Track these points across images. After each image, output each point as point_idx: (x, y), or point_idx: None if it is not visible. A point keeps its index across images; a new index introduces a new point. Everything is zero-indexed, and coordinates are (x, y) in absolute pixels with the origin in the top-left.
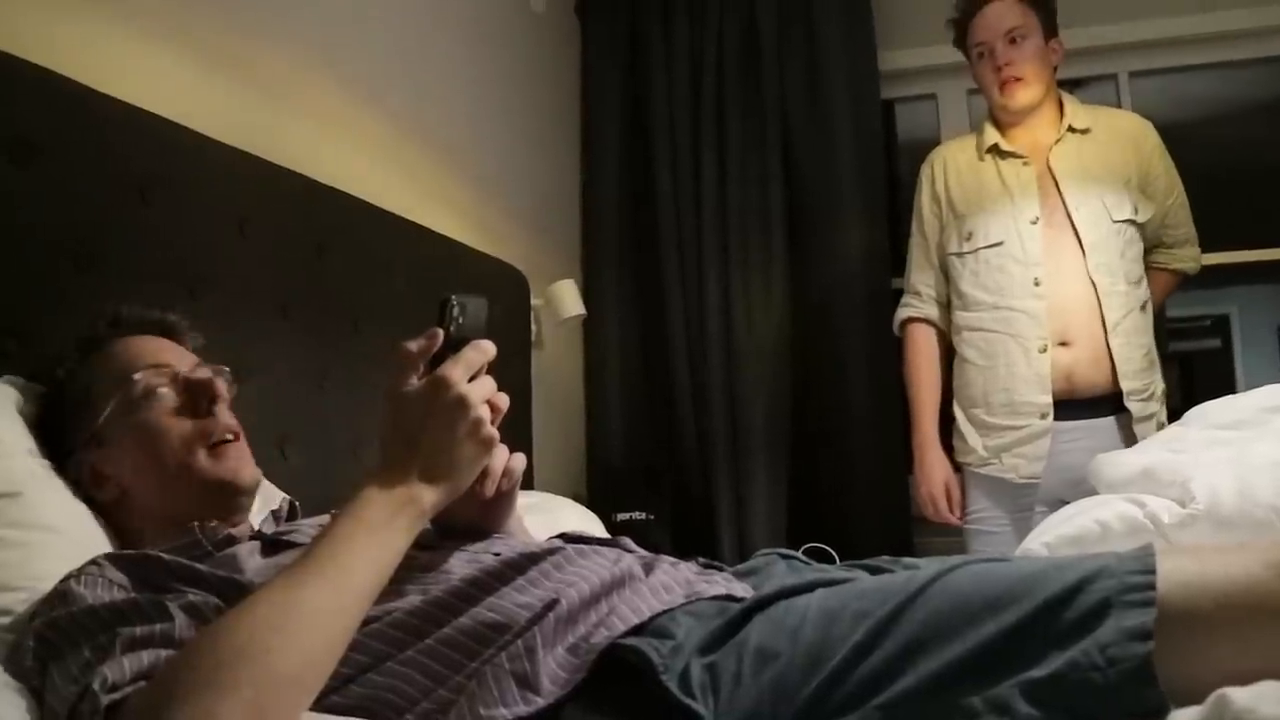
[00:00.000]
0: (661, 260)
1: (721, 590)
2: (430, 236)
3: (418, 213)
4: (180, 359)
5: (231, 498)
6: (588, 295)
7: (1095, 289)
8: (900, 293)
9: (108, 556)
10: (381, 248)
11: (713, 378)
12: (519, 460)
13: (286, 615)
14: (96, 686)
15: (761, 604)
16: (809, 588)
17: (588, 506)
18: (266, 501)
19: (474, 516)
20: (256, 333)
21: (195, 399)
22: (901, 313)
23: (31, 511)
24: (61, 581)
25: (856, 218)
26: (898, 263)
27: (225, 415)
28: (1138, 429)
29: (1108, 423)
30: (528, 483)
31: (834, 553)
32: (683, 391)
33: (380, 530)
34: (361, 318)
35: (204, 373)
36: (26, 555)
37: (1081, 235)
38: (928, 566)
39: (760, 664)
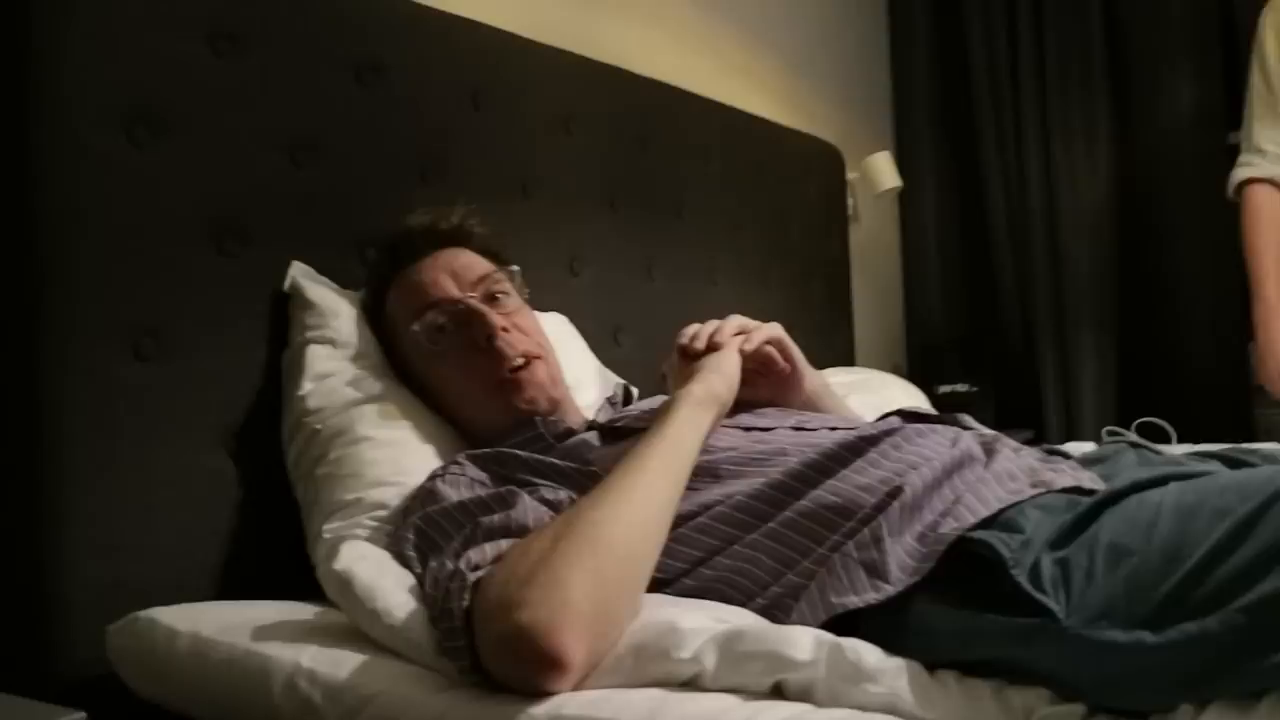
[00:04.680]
0: (977, 127)
1: (1069, 481)
2: (745, 119)
3: (732, 96)
4: (462, 276)
5: (535, 418)
6: (902, 166)
7: None
8: (1236, 150)
9: (467, 455)
10: (700, 134)
11: (1035, 246)
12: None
13: (609, 496)
14: (463, 566)
15: (1113, 498)
16: (1162, 481)
17: (908, 379)
18: (604, 387)
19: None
20: (587, 227)
21: (474, 335)
22: (1239, 173)
23: (399, 413)
24: (429, 479)
25: (1187, 70)
26: (1233, 118)
27: (510, 343)
28: None
29: None
30: (848, 359)
31: (1170, 428)
32: (1003, 261)
33: (667, 423)
34: (685, 205)
35: (483, 289)
36: (396, 453)
37: None
38: None
39: (1113, 560)
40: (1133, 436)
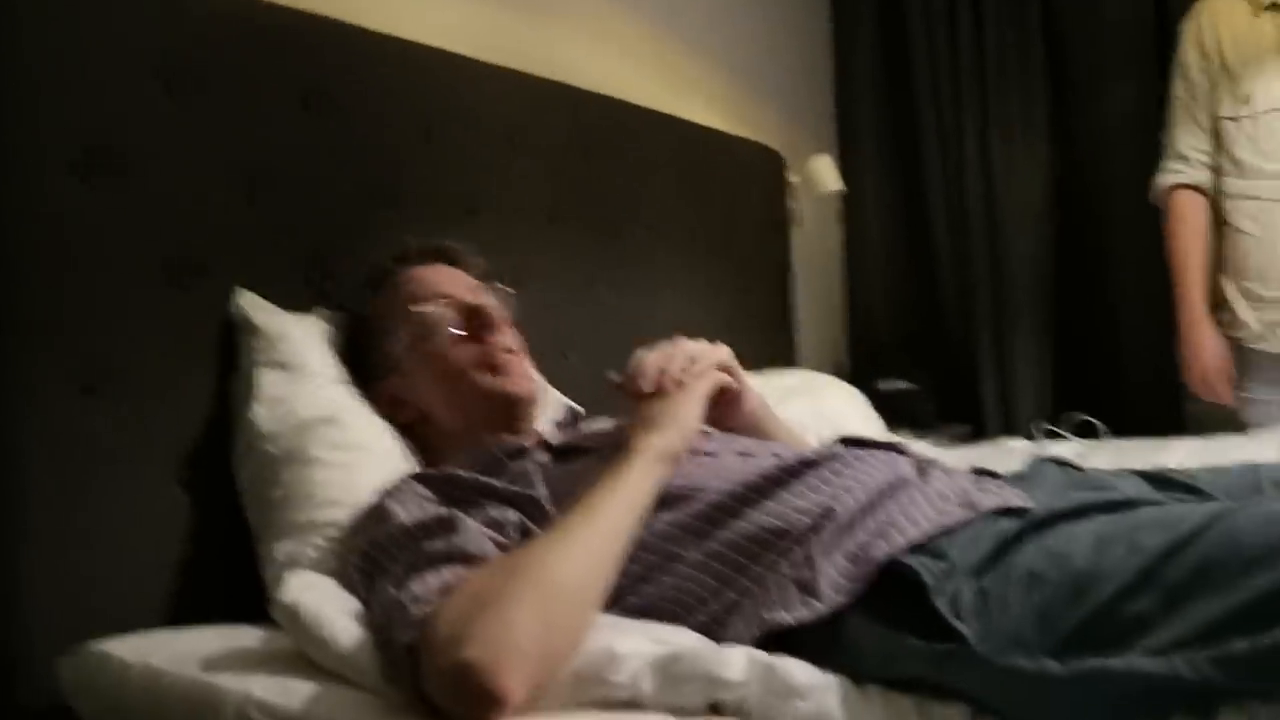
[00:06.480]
0: (918, 129)
1: (997, 500)
2: (688, 128)
3: (675, 106)
4: (461, 285)
5: (513, 409)
6: (844, 168)
7: None
8: None
9: (415, 476)
10: (643, 146)
11: (974, 245)
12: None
13: (562, 540)
14: (406, 599)
15: (1034, 526)
16: (1085, 510)
17: (850, 378)
18: (550, 407)
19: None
20: (531, 243)
21: (475, 325)
22: (1162, 179)
23: (347, 434)
24: (378, 497)
25: (1123, 73)
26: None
27: (503, 337)
28: None
29: None
30: (790, 359)
31: (1101, 425)
32: (943, 260)
33: (625, 473)
34: (628, 216)
35: (482, 298)
36: (346, 475)
37: None
38: (1208, 504)
39: (1027, 589)
40: (1060, 452)
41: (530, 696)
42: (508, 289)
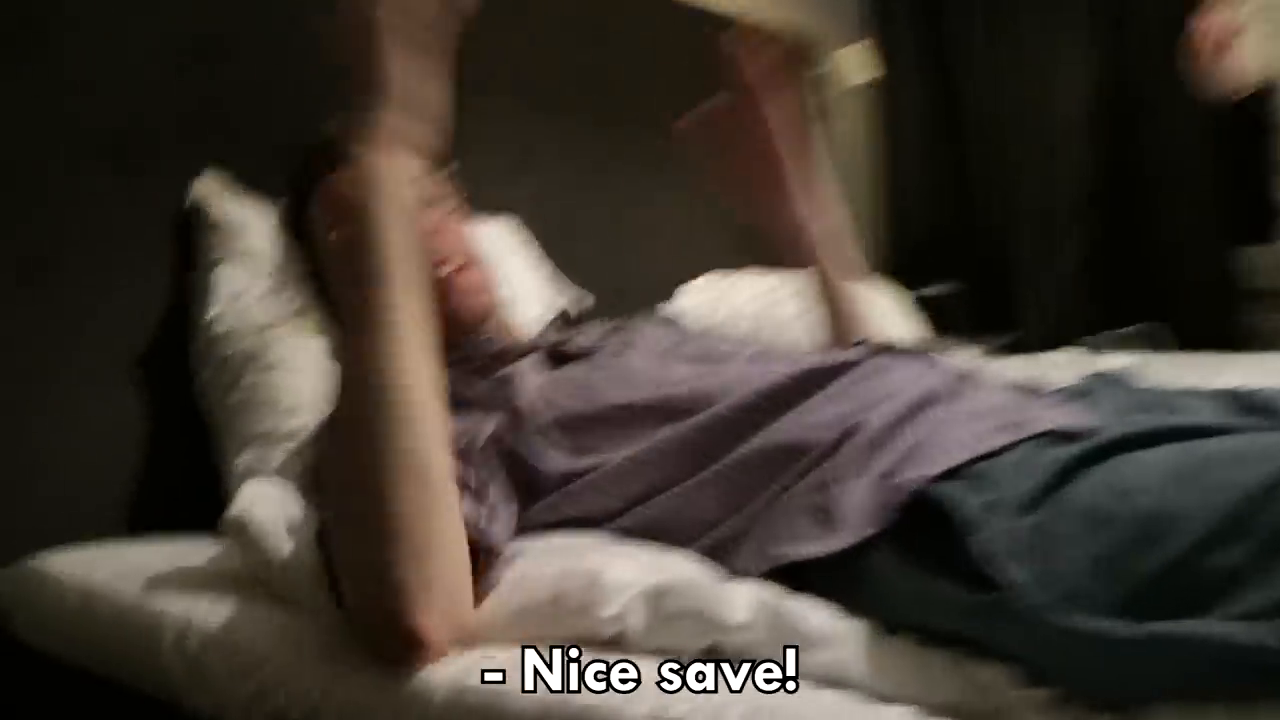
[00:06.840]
0: (960, 17)
1: (1048, 422)
2: (704, 13)
3: None
4: None
5: (465, 329)
6: (879, 57)
7: None
8: None
9: None
10: (658, 31)
11: (1017, 141)
12: None
13: (351, 438)
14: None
15: (1096, 454)
16: (1156, 438)
17: (888, 282)
18: (552, 299)
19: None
20: (538, 129)
21: None
22: None
23: (316, 335)
24: None
25: None
26: None
27: (440, 246)
28: None
29: None
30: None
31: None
32: (984, 158)
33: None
34: (641, 100)
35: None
36: (312, 379)
37: None
38: None
39: (1086, 529)
40: (1122, 366)
41: (452, 615)
42: (450, 168)
